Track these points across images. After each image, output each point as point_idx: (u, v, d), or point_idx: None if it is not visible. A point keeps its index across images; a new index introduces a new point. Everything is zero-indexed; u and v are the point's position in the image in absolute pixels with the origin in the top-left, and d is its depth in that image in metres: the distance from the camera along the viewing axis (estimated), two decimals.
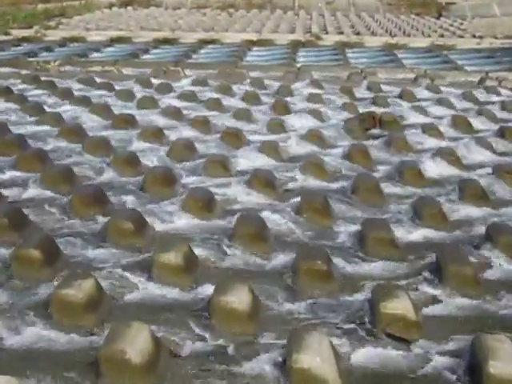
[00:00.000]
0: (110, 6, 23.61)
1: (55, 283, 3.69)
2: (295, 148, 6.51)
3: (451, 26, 18.52)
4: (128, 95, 8.53)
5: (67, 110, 7.76)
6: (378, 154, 6.35)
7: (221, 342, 3.29)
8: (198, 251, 4.17)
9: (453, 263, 3.89)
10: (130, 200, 5.12)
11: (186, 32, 16.24)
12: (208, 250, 4.27)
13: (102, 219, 4.66)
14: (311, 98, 8.58)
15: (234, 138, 6.64)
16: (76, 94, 8.55)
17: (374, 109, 7.86)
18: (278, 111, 7.92)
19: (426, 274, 3.99)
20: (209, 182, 5.53)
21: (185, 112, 7.78)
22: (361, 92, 9.17)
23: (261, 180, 5.35)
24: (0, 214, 4.43)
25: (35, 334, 3.32)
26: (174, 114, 7.65)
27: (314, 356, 2.95)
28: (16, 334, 3.31)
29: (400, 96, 8.84)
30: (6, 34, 15.11)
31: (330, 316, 3.55)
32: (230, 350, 3.24)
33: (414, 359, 3.20)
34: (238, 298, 3.42)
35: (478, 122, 7.53)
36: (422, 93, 9.11)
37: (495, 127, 7.28)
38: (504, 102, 8.47)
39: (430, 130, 7.04)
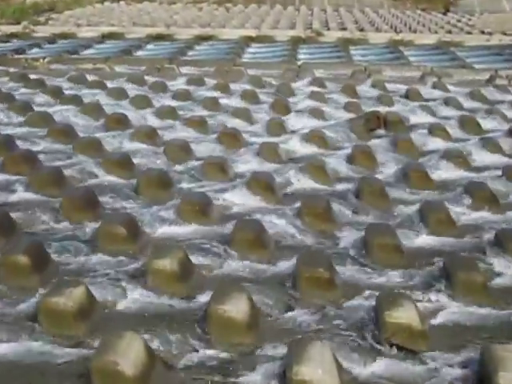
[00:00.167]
0: (102, 0, 23.63)
1: (44, 291, 3.68)
2: (296, 149, 6.51)
3: (459, 21, 18.54)
4: (120, 94, 8.53)
5: (57, 109, 7.75)
6: (382, 156, 6.35)
7: (218, 352, 3.29)
8: (194, 258, 4.17)
9: (461, 270, 3.90)
10: (122, 204, 5.13)
11: (181, 28, 16.24)
12: (205, 256, 4.27)
13: (93, 224, 4.66)
14: (312, 96, 8.58)
15: (232, 139, 6.64)
16: (66, 92, 8.55)
17: (378, 108, 7.86)
18: (277, 111, 7.92)
19: (433, 281, 3.99)
20: (206, 186, 5.53)
21: (180, 112, 7.79)
22: (365, 91, 9.17)
23: (260, 183, 5.35)
24: None
25: (23, 344, 3.31)
26: (169, 113, 7.65)
27: (316, 368, 2.95)
28: (2, 344, 3.30)
29: (406, 95, 8.84)
30: None
31: (333, 325, 3.55)
32: (228, 361, 3.24)
33: (420, 371, 3.20)
34: (236, 307, 3.42)
35: (486, 123, 7.54)
36: (428, 92, 9.12)
37: (505, 127, 7.29)
38: None
39: (436, 130, 7.05)
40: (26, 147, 6.25)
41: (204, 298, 3.72)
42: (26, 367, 3.16)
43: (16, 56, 11.79)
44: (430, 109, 8.04)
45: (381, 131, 7.15)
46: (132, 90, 8.85)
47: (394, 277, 4.11)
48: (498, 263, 4.25)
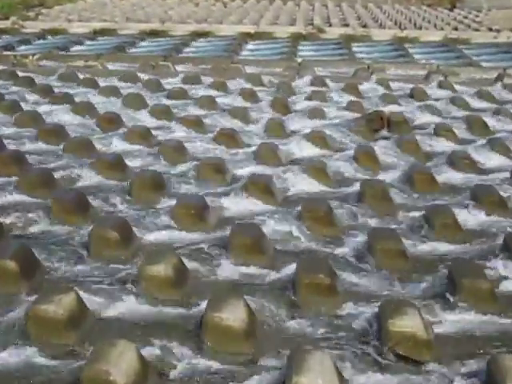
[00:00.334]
0: None
1: (33, 298, 3.68)
2: (296, 151, 6.51)
3: (466, 18, 18.58)
4: (113, 92, 8.53)
5: (47, 108, 7.76)
6: (386, 158, 6.36)
7: (214, 362, 3.29)
8: (189, 263, 4.17)
9: (467, 277, 3.90)
10: (115, 207, 5.13)
11: (176, 23, 16.26)
12: (200, 261, 4.28)
13: (84, 228, 4.66)
14: (313, 95, 8.59)
15: (230, 140, 6.64)
16: (56, 91, 8.55)
17: (382, 108, 7.87)
18: (277, 110, 7.93)
19: (438, 288, 3.99)
20: (202, 188, 5.53)
21: (175, 111, 7.79)
22: (368, 90, 9.19)
23: (258, 186, 5.35)
24: None
25: (12, 352, 3.31)
26: (164, 112, 7.66)
27: (316, 378, 2.95)
28: None
29: (410, 94, 8.86)
30: None
31: (334, 334, 3.55)
32: (224, 371, 3.24)
33: (424, 382, 3.20)
34: (233, 315, 3.42)
35: (494, 123, 7.55)
36: (434, 91, 9.13)
37: None
38: None
39: (442, 131, 7.06)
40: (15, 148, 6.25)
41: (200, 305, 3.72)
42: (14, 377, 3.15)
43: (4, 53, 11.80)
44: (435, 109, 8.06)
45: (384, 132, 7.16)
46: (125, 88, 8.86)
47: (398, 283, 4.11)
48: (506, 269, 4.26)
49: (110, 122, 7.17)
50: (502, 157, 6.44)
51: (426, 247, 4.60)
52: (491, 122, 7.55)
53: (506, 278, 4.18)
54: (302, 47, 13.54)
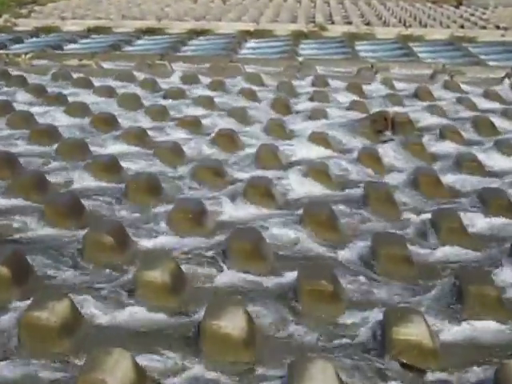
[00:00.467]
0: None
1: (25, 304, 3.68)
2: (297, 152, 6.52)
3: (472, 15, 18.60)
4: (108, 92, 8.55)
5: (40, 109, 7.76)
6: (390, 160, 6.37)
7: (212, 371, 3.29)
8: (186, 269, 4.17)
9: (474, 284, 3.90)
10: (110, 210, 5.13)
11: (173, 21, 16.27)
12: (198, 267, 4.28)
13: (78, 232, 4.67)
14: (315, 95, 8.60)
15: (228, 141, 6.65)
16: (50, 90, 8.56)
17: (386, 109, 7.88)
18: (277, 111, 7.94)
19: (445, 295, 3.99)
20: (199, 191, 5.54)
21: (172, 111, 7.80)
22: (371, 90, 9.20)
23: (258, 189, 5.35)
24: None
25: (2, 362, 3.31)
26: (160, 113, 7.67)
27: None
28: None
29: (415, 94, 8.87)
30: None
31: (336, 342, 3.56)
32: (223, 381, 3.24)
33: None
34: (232, 322, 3.42)
35: (502, 124, 7.55)
36: (439, 91, 9.14)
37: None
38: None
39: (448, 132, 7.06)
40: (6, 149, 6.24)
41: (197, 312, 3.72)
42: None
43: None
44: (441, 109, 8.06)
45: (388, 133, 7.17)
46: (120, 88, 8.87)
47: (403, 290, 4.12)
48: None
49: (105, 123, 7.18)
50: (510, 159, 6.44)
51: (431, 252, 4.60)
52: (499, 122, 7.55)
53: None
54: (303, 45, 13.56)
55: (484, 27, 16.28)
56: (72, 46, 13.22)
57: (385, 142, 6.97)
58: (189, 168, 5.98)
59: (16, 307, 3.73)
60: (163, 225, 4.84)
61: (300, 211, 5.00)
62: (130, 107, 7.92)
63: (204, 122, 7.38)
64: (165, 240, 4.68)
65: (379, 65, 10.83)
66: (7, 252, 4.13)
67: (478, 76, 10.25)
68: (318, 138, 6.73)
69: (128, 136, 6.70)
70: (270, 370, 3.32)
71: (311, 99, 8.52)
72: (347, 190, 5.66)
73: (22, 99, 8.21)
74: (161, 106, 7.89)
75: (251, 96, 8.58)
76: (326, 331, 3.65)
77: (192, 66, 10.69)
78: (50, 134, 6.70)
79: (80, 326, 3.56)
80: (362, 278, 4.21)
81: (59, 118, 7.40)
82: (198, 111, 7.87)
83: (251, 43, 13.85)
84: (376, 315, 3.73)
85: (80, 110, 7.63)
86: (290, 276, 4.14)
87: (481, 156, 6.36)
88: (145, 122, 7.43)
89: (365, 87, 9.16)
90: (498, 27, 16.07)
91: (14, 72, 9.51)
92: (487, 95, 8.87)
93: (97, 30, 14.85)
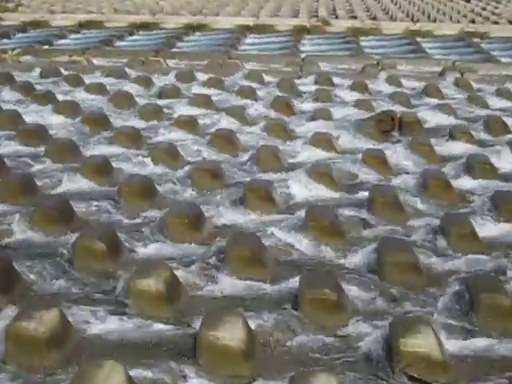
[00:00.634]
0: None
1: (12, 314, 3.67)
2: (299, 154, 6.53)
3: (484, 9, 18.63)
4: (99, 90, 8.56)
5: (27, 107, 7.77)
6: (397, 162, 6.37)
7: None
8: (182, 277, 4.17)
9: (485, 292, 3.90)
10: (101, 215, 5.13)
11: (168, 15, 16.30)
12: (195, 275, 4.28)
13: (68, 237, 4.67)
14: (318, 94, 8.62)
15: (227, 142, 6.65)
16: (38, 88, 8.57)
17: (392, 108, 7.89)
18: (278, 110, 7.95)
19: (454, 304, 3.99)
20: (196, 195, 5.54)
21: (167, 110, 7.81)
22: (377, 87, 9.21)
23: (258, 192, 5.35)
24: None
25: None
26: (155, 112, 7.68)
27: None
28: None
29: (424, 92, 8.88)
30: None
31: (340, 355, 3.55)
32: None
33: None
34: (231, 333, 3.42)
35: None
36: (449, 89, 9.16)
37: None
38: None
39: (458, 133, 7.07)
40: None
41: (194, 322, 3.72)
42: None
43: None
44: (451, 108, 8.06)
45: (395, 133, 7.17)
46: (112, 85, 8.88)
47: (411, 300, 4.11)
48: None
49: (96, 123, 7.18)
50: None
51: (440, 259, 4.60)
52: None
53: None
54: (305, 41, 13.58)
55: (496, 22, 16.30)
56: (61, 41, 13.22)
57: (391, 142, 6.97)
58: (185, 170, 5.98)
59: (1, 317, 3.72)
60: (158, 230, 4.84)
61: (302, 215, 5.00)
62: (122, 106, 7.93)
63: (201, 121, 7.38)
64: (159, 246, 4.68)
65: (385, 61, 10.84)
66: None
67: (489, 73, 10.26)
68: (321, 139, 6.73)
69: (120, 136, 6.71)
70: (271, 383, 3.32)
71: (314, 98, 8.53)
72: (352, 194, 5.66)
73: (8, 97, 8.22)
74: (155, 105, 7.89)
75: (251, 94, 8.59)
76: (330, 342, 3.65)
77: (188, 62, 10.70)
78: (38, 134, 6.70)
79: (70, 337, 3.56)
80: (367, 286, 4.21)
81: (48, 118, 7.41)
82: (195, 110, 7.87)
83: (251, 39, 13.87)
84: (382, 326, 3.73)
85: (70, 108, 7.64)
86: (292, 284, 4.14)
87: (493, 158, 6.36)
88: (138, 121, 7.44)
89: (370, 85, 9.17)
90: (510, 22, 16.10)
91: (0, 69, 9.52)
92: (500, 93, 8.88)
93: (88, 25, 14.85)
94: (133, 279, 3.93)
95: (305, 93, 8.88)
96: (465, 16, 17.22)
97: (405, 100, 8.42)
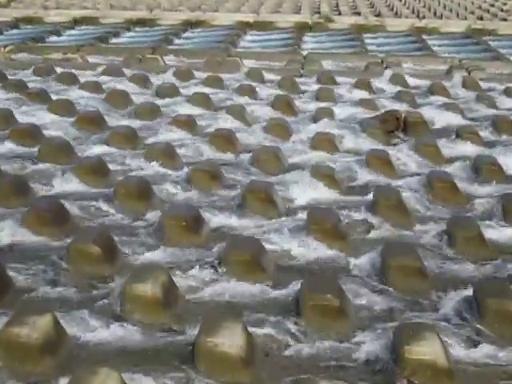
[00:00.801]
0: None
1: (3, 320, 3.68)
2: (300, 154, 6.53)
3: (492, 6, 18.64)
4: (95, 89, 8.56)
5: (20, 106, 7.77)
6: (402, 163, 6.38)
7: None
8: (179, 281, 4.18)
9: (493, 298, 3.90)
10: (96, 217, 5.14)
11: (166, 11, 16.31)
12: (192, 279, 4.28)
13: (62, 241, 4.67)
14: (320, 93, 8.62)
15: (226, 142, 6.65)
16: (31, 87, 8.57)
17: (397, 107, 7.90)
18: (279, 109, 7.95)
19: (461, 311, 4.00)
20: (194, 197, 5.54)
21: (164, 110, 7.81)
22: (381, 86, 9.22)
23: (258, 194, 5.36)
24: None
25: None
26: (152, 112, 7.68)
27: None
28: None
29: (429, 91, 8.89)
30: None
31: (343, 362, 3.56)
32: None
33: None
34: (230, 340, 3.42)
35: None
36: (456, 88, 9.16)
37: None
38: None
39: (466, 133, 7.07)
40: None
41: (192, 328, 3.72)
42: None
43: None
44: (457, 108, 8.07)
45: (400, 134, 7.18)
46: (108, 84, 8.88)
47: (415, 305, 4.12)
48: None
49: (91, 122, 7.19)
50: None
51: (446, 264, 4.61)
52: None
53: None
54: (307, 38, 13.59)
55: (505, 19, 16.31)
56: (55, 38, 13.23)
57: (396, 143, 6.98)
58: (183, 171, 5.99)
59: None
60: (155, 232, 4.85)
61: (304, 218, 5.00)
62: (118, 105, 7.94)
63: (199, 121, 7.39)
64: (156, 249, 4.68)
65: (390, 59, 10.85)
66: None
67: (498, 72, 10.28)
68: (323, 139, 6.74)
69: (116, 136, 6.71)
70: None
71: (316, 97, 8.54)
72: (355, 196, 5.67)
73: (0, 96, 8.22)
74: (152, 104, 7.90)
75: (251, 93, 8.59)
76: (332, 349, 3.65)
77: (186, 60, 10.71)
78: (31, 134, 6.70)
79: (63, 344, 3.56)
80: (370, 292, 4.21)
81: (42, 117, 7.41)
82: (193, 110, 7.88)
83: (251, 36, 13.88)
84: (386, 332, 3.73)
85: (64, 107, 7.64)
86: (293, 289, 4.15)
87: (501, 159, 6.37)
88: (135, 121, 7.44)
89: (374, 84, 9.18)
90: None
91: None
92: (508, 93, 8.88)
93: (82, 21, 14.87)
94: (129, 284, 3.94)
95: (306, 92, 8.88)
96: (472, 12, 17.23)
97: (410, 99, 8.43)
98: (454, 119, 7.74)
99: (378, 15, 16.55)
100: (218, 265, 4.42)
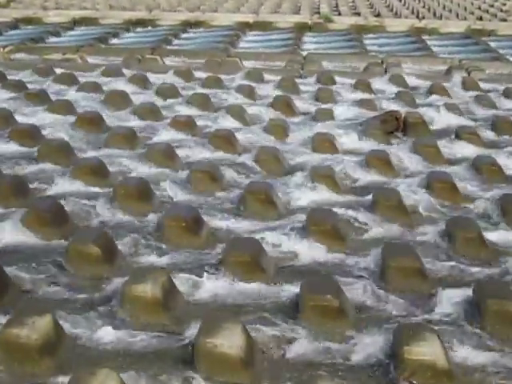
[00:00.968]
0: None
1: (3, 320, 3.68)
2: (300, 155, 6.53)
3: (491, 6, 18.65)
4: (94, 89, 8.56)
5: (19, 107, 7.77)
6: (402, 164, 6.38)
7: None
8: (179, 282, 4.18)
9: (493, 299, 3.90)
10: (96, 218, 5.14)
11: (165, 12, 16.31)
12: (192, 280, 4.28)
13: (61, 241, 4.67)
14: (320, 93, 8.62)
15: (226, 143, 6.65)
16: (30, 87, 8.57)
17: (397, 107, 7.89)
18: (278, 109, 7.95)
19: (462, 311, 4.00)
20: (194, 198, 5.54)
21: (164, 110, 7.81)
22: (381, 87, 9.21)
23: (258, 195, 5.36)
24: None
25: None
26: (151, 112, 7.68)
27: None
28: None
29: (429, 92, 8.89)
30: None
31: (343, 363, 3.56)
32: None
33: None
34: (229, 341, 3.42)
35: None
36: (456, 88, 9.16)
37: None
38: None
39: (465, 134, 7.07)
40: None
41: (191, 329, 3.72)
42: None
43: None
44: (457, 108, 8.07)
45: (400, 134, 7.18)
46: (107, 84, 8.88)
47: (416, 306, 4.12)
48: None
49: (91, 123, 7.18)
50: None
51: (446, 265, 4.61)
52: None
53: None
54: (307, 39, 13.59)
55: (504, 19, 16.31)
56: (55, 38, 13.23)
57: (396, 143, 6.98)
58: (183, 172, 5.99)
59: None
60: (154, 233, 4.84)
61: (303, 219, 5.00)
62: (117, 105, 7.93)
63: (199, 121, 7.39)
64: (156, 250, 4.68)
65: (390, 60, 10.85)
66: None
67: (497, 72, 10.28)
68: (323, 140, 6.74)
69: (115, 137, 6.71)
70: None
71: (316, 97, 8.54)
72: (355, 197, 5.66)
73: (0, 96, 8.23)
74: (152, 105, 7.89)
75: (250, 94, 8.60)
76: (331, 350, 3.65)
77: (186, 60, 10.71)
78: (30, 134, 6.70)
79: (63, 344, 3.56)
80: (370, 293, 4.21)
81: (41, 117, 7.41)
82: (193, 110, 7.88)
83: (250, 36, 13.88)
84: (385, 333, 3.73)
85: (63, 108, 7.64)
86: (293, 290, 4.15)
87: (501, 160, 6.37)
88: (134, 121, 7.44)
89: (374, 84, 9.17)
90: None
91: None
92: (508, 93, 8.88)
93: (82, 22, 14.87)
94: (128, 284, 3.93)
95: (306, 92, 8.88)
96: (472, 13, 17.24)
97: (410, 100, 8.43)
98: (454, 120, 7.74)
99: (378, 16, 16.56)
100: (217, 265, 4.42)
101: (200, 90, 8.69)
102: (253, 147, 6.64)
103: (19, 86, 8.52)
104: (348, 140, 6.99)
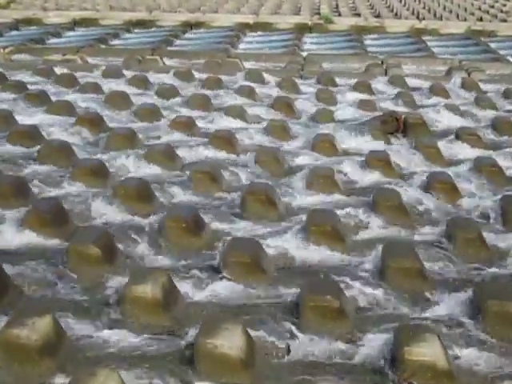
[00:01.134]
0: None
1: (3, 321, 3.68)
2: (300, 156, 6.53)
3: (492, 7, 18.65)
4: (94, 90, 8.56)
5: (20, 107, 7.77)
6: (402, 164, 6.38)
7: None
8: (180, 283, 4.18)
9: (494, 300, 3.90)
10: (97, 219, 5.14)
11: (166, 13, 16.32)
12: (193, 281, 4.28)
13: (62, 242, 4.67)
14: (320, 94, 8.62)
15: (226, 143, 6.65)
16: (31, 88, 8.57)
17: (397, 108, 7.90)
18: (279, 110, 7.95)
19: (462, 312, 4.00)
20: (194, 199, 5.54)
21: (164, 111, 7.81)
22: (381, 88, 9.22)
23: (258, 197, 5.36)
24: None
25: None
26: (151, 113, 7.68)
27: None
28: None
29: (429, 93, 8.88)
30: None
31: (343, 363, 3.56)
32: None
33: None
34: (229, 341, 3.42)
35: None
36: (456, 89, 9.16)
37: None
38: None
39: (466, 135, 7.06)
40: None
41: (191, 330, 3.72)
42: None
43: None
44: (457, 109, 8.07)
45: (400, 135, 7.18)
46: (108, 85, 8.88)
47: (417, 306, 4.12)
48: None
49: (91, 124, 7.17)
50: None
51: (446, 265, 4.61)
52: None
53: None
54: (307, 40, 13.59)
55: (504, 20, 16.31)
56: (55, 39, 13.24)
57: (396, 144, 6.98)
58: (183, 173, 5.98)
59: None
60: (155, 234, 4.84)
61: (304, 220, 5.00)
62: (118, 106, 7.93)
63: (199, 122, 7.39)
64: (156, 251, 4.68)
65: (390, 61, 10.85)
66: None
67: (498, 73, 10.27)
68: (323, 141, 6.74)
69: (116, 138, 6.70)
70: None
71: (316, 98, 8.54)
72: (355, 197, 5.66)
73: (0, 97, 8.22)
74: (152, 106, 7.89)
75: (250, 94, 8.59)
76: (331, 351, 3.65)
77: (186, 61, 10.71)
78: (31, 134, 6.70)
79: (63, 345, 3.56)
80: (370, 293, 4.21)
81: (41, 118, 7.41)
82: (193, 111, 7.88)
83: (250, 37, 13.88)
84: (386, 333, 3.73)
85: (64, 109, 7.64)
86: (293, 291, 4.15)
87: (501, 161, 6.37)
88: (134, 122, 7.44)
89: (374, 85, 9.18)
90: None
91: None
92: (508, 94, 8.88)
93: (82, 23, 14.87)
94: (128, 285, 3.93)
95: (306, 93, 8.88)
96: (472, 14, 17.24)
97: (410, 100, 8.42)
98: (454, 120, 7.74)
99: (378, 16, 16.56)
100: (218, 266, 4.42)
101: (200, 91, 8.69)
102: (253, 148, 6.63)
103: (19, 87, 8.52)
104: (348, 140, 6.99)
